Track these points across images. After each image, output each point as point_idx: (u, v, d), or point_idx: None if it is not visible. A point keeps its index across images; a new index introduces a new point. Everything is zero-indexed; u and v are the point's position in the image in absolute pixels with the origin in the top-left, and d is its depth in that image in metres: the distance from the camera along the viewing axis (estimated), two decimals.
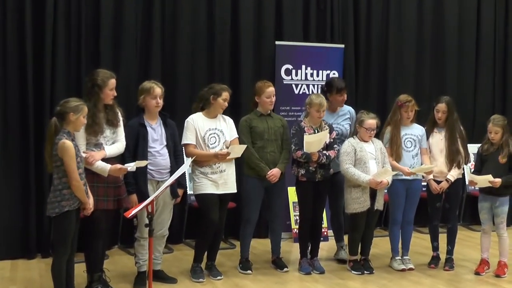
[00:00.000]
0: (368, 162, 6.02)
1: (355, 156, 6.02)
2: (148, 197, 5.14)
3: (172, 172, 5.48)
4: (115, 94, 5.28)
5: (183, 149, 5.85)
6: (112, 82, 5.25)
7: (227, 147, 5.79)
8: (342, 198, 6.27)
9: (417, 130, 6.32)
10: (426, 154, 6.31)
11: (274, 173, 6.00)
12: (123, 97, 5.95)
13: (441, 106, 6.30)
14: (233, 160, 5.90)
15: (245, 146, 5.87)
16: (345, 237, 6.50)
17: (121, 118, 5.36)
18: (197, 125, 5.78)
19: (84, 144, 5.07)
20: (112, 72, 5.37)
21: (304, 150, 5.92)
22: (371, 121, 6.08)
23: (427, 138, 6.34)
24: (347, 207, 6.13)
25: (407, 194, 6.27)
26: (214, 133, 5.82)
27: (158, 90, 5.56)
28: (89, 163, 5.01)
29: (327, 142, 6.06)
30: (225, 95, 5.82)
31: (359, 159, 6.02)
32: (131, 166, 5.19)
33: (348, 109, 6.54)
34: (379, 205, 6.12)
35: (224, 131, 5.86)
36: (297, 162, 6.06)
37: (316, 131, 6.05)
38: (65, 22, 6.69)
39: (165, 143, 5.61)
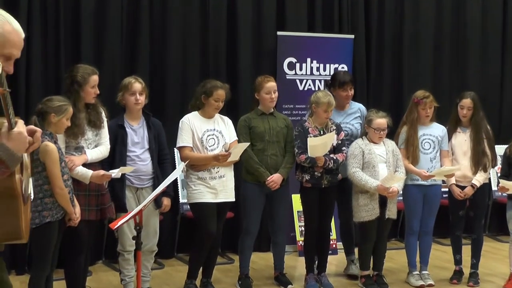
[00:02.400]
0: (377, 166, 5.99)
1: (363, 159, 6.00)
2: (125, 205, 5.13)
3: (155, 179, 5.46)
4: (98, 92, 5.25)
5: (177, 153, 5.82)
6: (94, 78, 5.23)
7: (226, 151, 5.73)
8: (351, 206, 6.24)
9: (437, 130, 6.28)
10: (447, 157, 6.27)
11: (274, 179, 5.95)
12: (107, 95, 5.92)
13: (466, 102, 6.26)
14: (232, 165, 5.86)
15: (246, 144, 5.79)
16: (356, 250, 6.49)
17: (105, 119, 5.33)
18: (194, 125, 5.73)
19: (63, 148, 5.04)
20: (94, 67, 5.35)
21: (309, 154, 5.90)
22: (380, 121, 6.05)
23: (449, 138, 6.30)
24: (355, 215, 6.11)
25: (425, 200, 6.23)
26: (213, 135, 5.77)
27: (137, 85, 5.51)
28: (69, 169, 4.98)
29: (335, 144, 6.03)
30: (217, 94, 5.70)
31: (368, 162, 5.99)
32: (115, 173, 5.15)
33: (358, 107, 6.51)
34: (391, 213, 6.07)
35: (223, 132, 5.81)
36: (301, 167, 6.03)
37: (322, 132, 6.02)
38: (41, 11, 6.67)
39: (147, 146, 5.56)
